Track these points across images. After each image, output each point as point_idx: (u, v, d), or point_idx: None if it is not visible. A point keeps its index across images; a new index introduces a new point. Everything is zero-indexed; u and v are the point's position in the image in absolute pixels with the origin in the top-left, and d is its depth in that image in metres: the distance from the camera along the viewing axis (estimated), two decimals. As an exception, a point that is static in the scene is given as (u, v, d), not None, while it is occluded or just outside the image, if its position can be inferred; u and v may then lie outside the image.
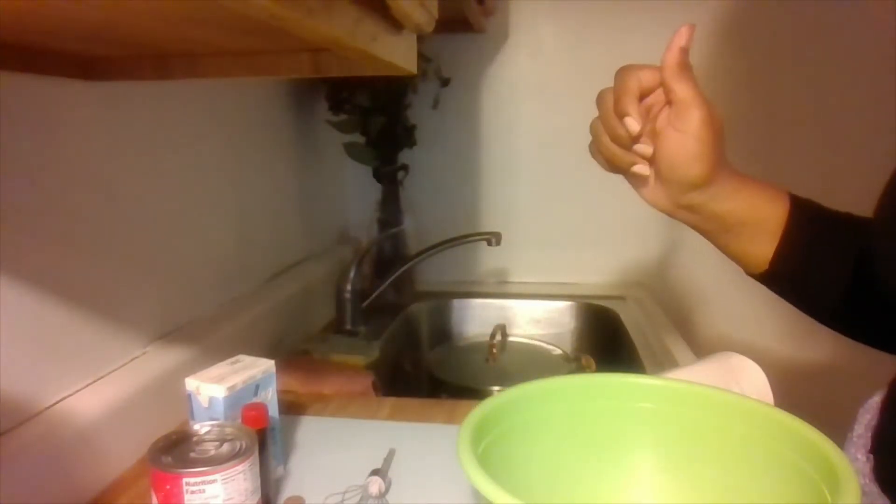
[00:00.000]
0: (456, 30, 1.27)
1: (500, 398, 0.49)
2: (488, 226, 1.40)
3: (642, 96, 0.54)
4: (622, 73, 0.55)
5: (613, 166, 0.58)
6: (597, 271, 1.42)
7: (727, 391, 0.51)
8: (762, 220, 0.57)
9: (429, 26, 0.52)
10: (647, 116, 0.55)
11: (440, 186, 1.42)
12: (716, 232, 0.59)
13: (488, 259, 1.44)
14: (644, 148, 0.55)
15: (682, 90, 0.52)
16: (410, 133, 1.30)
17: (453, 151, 1.41)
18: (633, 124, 0.53)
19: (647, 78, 0.54)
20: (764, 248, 0.57)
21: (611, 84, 0.55)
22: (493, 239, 1.14)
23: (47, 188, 0.58)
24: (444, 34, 1.27)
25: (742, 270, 0.63)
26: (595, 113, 0.57)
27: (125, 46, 0.55)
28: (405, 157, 1.31)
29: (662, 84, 0.53)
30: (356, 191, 1.41)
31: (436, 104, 1.35)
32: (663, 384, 0.53)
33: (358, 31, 0.40)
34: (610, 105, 0.55)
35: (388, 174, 1.30)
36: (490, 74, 1.37)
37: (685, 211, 0.58)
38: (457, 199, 1.43)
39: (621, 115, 0.54)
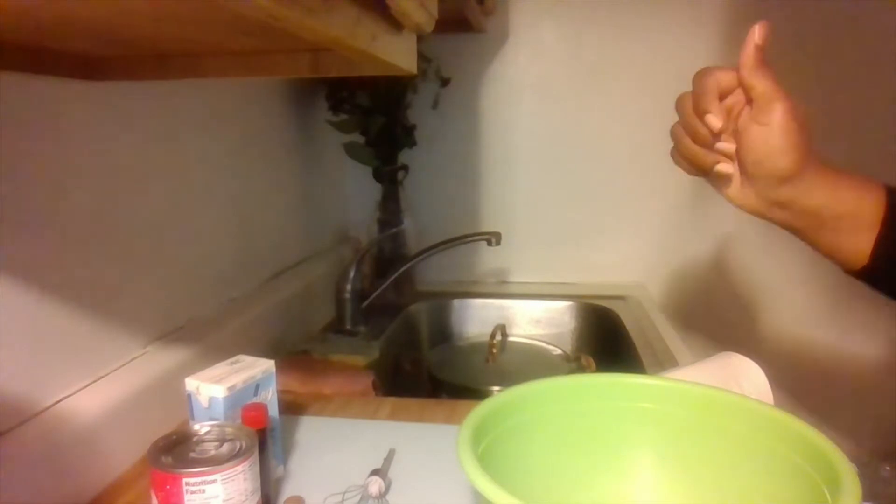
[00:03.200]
0: (456, 30, 1.27)
1: (500, 398, 0.50)
2: (488, 226, 1.40)
3: (721, 97, 0.55)
4: (700, 75, 0.55)
5: (696, 168, 0.58)
6: (597, 271, 1.42)
7: (727, 391, 0.51)
8: (858, 212, 0.55)
9: (429, 26, 0.52)
10: (728, 117, 0.55)
11: (440, 186, 1.42)
12: (810, 228, 0.57)
13: (488, 259, 1.44)
14: (726, 145, 0.56)
15: (761, 85, 0.52)
16: (410, 133, 1.30)
17: (453, 151, 1.41)
18: (714, 120, 0.53)
19: (724, 79, 0.54)
20: (862, 243, 0.55)
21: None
22: (493, 239, 1.14)
23: (47, 188, 0.58)
24: (444, 34, 1.27)
25: (833, 268, 0.60)
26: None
27: (125, 46, 0.55)
28: (405, 157, 1.31)
29: (740, 83, 0.54)
30: (356, 191, 1.41)
31: (436, 104, 1.35)
32: (663, 384, 0.54)
33: (358, 31, 0.40)
34: (689, 107, 0.55)
35: (388, 174, 1.30)
36: (490, 74, 1.37)
37: (777, 208, 0.56)
38: (457, 198, 1.43)
39: (702, 114, 0.54)
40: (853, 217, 0.55)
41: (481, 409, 0.47)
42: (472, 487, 0.38)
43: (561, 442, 0.52)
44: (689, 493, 0.50)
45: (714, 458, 0.49)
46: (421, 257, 1.15)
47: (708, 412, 0.50)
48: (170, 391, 0.70)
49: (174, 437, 0.49)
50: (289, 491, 0.59)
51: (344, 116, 1.24)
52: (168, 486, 0.45)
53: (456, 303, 1.32)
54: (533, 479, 0.48)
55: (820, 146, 0.54)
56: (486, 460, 0.41)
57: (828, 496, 0.38)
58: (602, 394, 0.53)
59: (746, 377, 0.63)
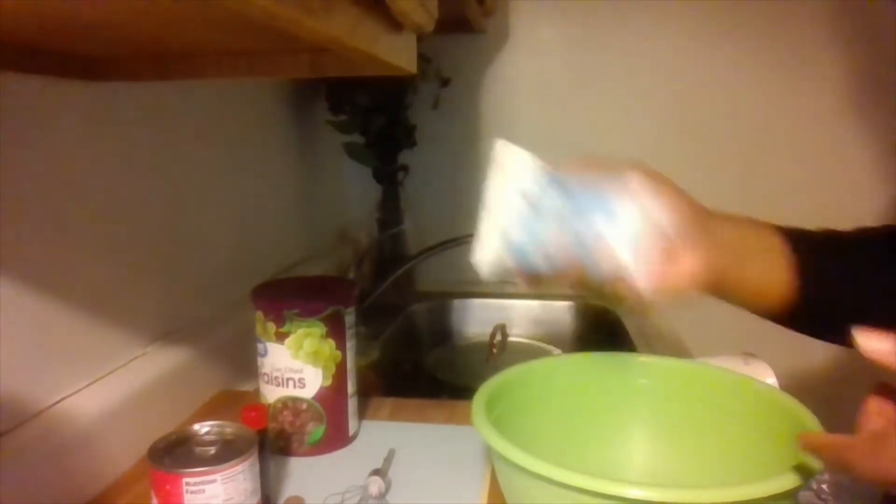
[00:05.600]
0: (456, 30, 1.27)
1: (512, 372, 0.57)
2: (488, 226, 1.40)
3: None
4: None
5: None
6: (597, 271, 1.42)
7: (713, 366, 0.57)
8: (768, 246, 0.54)
9: (429, 26, 0.52)
10: None
11: (440, 186, 1.42)
12: (732, 264, 0.53)
13: (488, 259, 1.44)
14: None
15: None
16: (410, 133, 1.30)
17: (453, 151, 1.41)
18: None
19: None
20: (780, 277, 0.53)
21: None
22: (493, 239, 1.13)
23: (47, 188, 0.58)
24: (444, 34, 1.27)
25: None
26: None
27: (125, 46, 0.55)
28: (405, 157, 1.31)
29: None
30: (356, 191, 1.41)
31: (436, 104, 1.35)
32: (657, 361, 0.60)
33: (358, 31, 0.40)
34: None
35: (388, 174, 1.30)
36: (490, 74, 1.37)
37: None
38: (457, 199, 1.43)
39: None
40: (766, 250, 0.54)
41: (494, 381, 0.54)
42: (486, 447, 0.42)
43: (566, 413, 0.58)
44: (679, 457, 0.57)
45: (698, 423, 0.56)
46: (421, 257, 1.15)
47: (691, 384, 0.57)
48: (170, 391, 0.70)
49: (174, 437, 0.49)
50: (289, 491, 0.59)
51: (344, 117, 1.24)
52: (168, 486, 0.45)
53: (456, 303, 1.32)
54: (537, 446, 0.51)
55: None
56: (497, 427, 0.46)
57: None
58: (603, 370, 0.60)
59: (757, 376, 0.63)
